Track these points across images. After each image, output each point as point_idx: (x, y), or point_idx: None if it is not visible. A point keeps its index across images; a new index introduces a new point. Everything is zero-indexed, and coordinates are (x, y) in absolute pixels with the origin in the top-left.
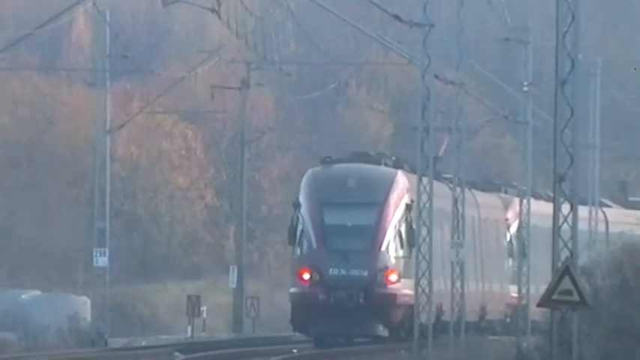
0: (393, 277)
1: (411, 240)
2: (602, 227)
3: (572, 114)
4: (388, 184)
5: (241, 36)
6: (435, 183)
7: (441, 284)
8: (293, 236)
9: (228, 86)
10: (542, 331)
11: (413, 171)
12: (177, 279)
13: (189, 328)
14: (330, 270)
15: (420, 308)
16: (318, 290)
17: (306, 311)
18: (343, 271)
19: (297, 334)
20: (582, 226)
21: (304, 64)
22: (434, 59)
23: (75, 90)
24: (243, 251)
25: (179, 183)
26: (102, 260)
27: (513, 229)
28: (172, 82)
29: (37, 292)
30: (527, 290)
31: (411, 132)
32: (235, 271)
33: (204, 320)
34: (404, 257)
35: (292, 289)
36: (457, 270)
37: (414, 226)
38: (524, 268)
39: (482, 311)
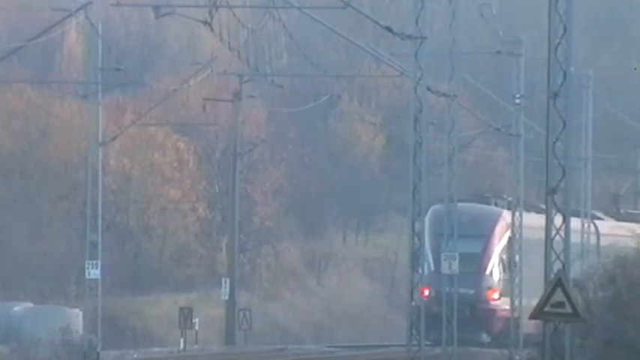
0: (494, 295)
1: (511, 266)
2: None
3: (564, 126)
4: (494, 221)
5: (234, 48)
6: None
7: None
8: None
9: (221, 98)
10: (534, 343)
11: (530, 209)
12: (170, 291)
13: (182, 340)
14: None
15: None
16: (434, 304)
17: (425, 321)
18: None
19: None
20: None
21: (296, 76)
22: (426, 72)
23: (67, 103)
24: (235, 263)
25: (171, 195)
26: (94, 273)
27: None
28: (165, 95)
29: (30, 305)
30: (520, 302)
31: (403, 144)
32: (227, 284)
33: (196, 332)
34: (504, 279)
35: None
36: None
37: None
38: (517, 280)
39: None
